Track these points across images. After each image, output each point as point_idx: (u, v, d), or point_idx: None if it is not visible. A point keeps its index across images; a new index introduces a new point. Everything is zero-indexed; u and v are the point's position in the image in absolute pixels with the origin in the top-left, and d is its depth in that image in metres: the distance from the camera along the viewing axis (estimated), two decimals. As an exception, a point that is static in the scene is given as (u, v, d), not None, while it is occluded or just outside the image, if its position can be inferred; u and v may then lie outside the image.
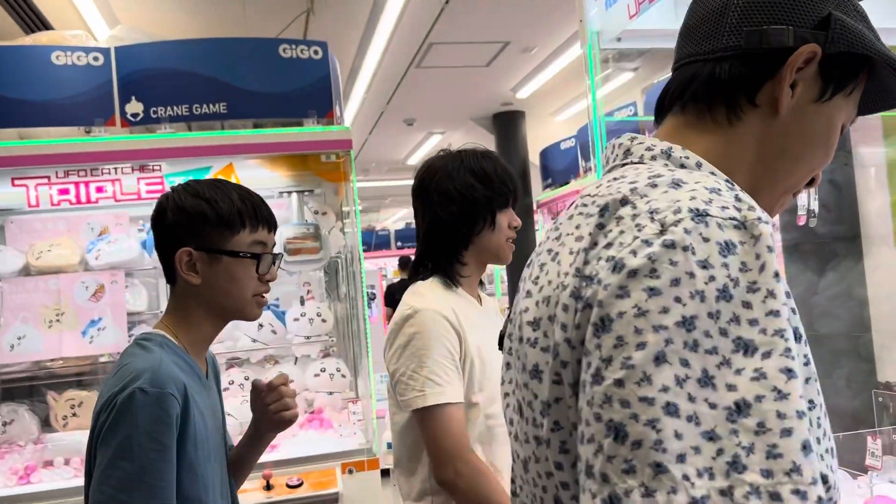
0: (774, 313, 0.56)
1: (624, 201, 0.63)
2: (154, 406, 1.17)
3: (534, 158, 6.33)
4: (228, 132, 2.95)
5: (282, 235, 3.00)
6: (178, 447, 1.20)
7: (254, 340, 3.14)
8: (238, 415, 2.95)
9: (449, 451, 1.39)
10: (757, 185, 0.74)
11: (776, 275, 0.57)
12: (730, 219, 0.59)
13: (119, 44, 3.07)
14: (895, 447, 1.83)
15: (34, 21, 3.99)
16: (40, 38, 3.20)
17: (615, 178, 0.70)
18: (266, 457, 2.70)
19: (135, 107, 2.98)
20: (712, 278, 0.56)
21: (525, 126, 8.27)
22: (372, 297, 6.84)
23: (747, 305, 0.56)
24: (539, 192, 5.45)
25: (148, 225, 3.10)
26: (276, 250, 1.42)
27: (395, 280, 9.62)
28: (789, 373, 0.54)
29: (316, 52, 3.10)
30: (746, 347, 0.55)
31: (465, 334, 1.46)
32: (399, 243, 11.90)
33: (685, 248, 0.56)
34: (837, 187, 2.63)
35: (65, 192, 2.96)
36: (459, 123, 8.31)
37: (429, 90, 6.41)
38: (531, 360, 0.69)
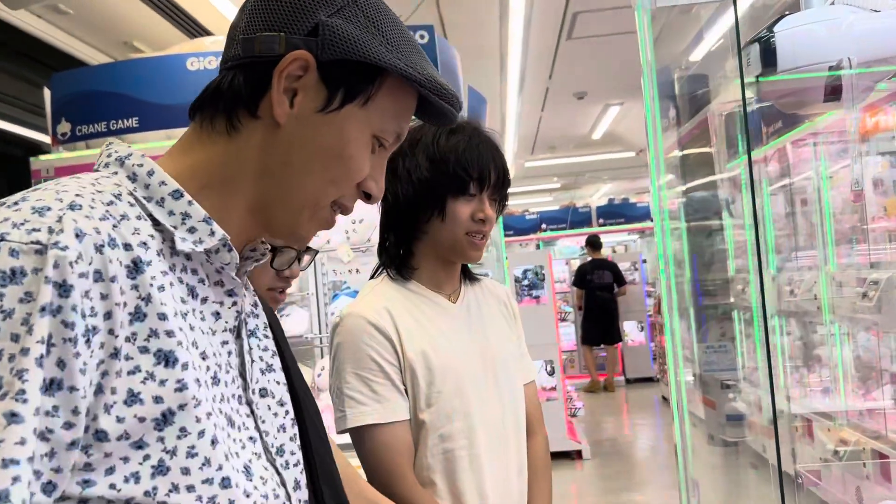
0: (24, 351, 0.55)
1: None
2: None
3: (717, 125, 5.80)
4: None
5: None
6: None
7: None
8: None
9: (378, 480, 1.24)
10: (266, 199, 0.72)
11: (44, 309, 0.56)
12: (33, 243, 0.57)
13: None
14: None
15: (195, 29, 4.37)
16: (183, 47, 3.50)
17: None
18: None
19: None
20: None
21: (709, 91, 7.62)
22: (541, 278, 6.74)
23: (15, 338, 0.55)
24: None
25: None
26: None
27: (587, 260, 9.43)
28: (12, 417, 0.54)
29: (422, 37, 3.07)
30: None
31: (402, 340, 1.27)
32: (601, 220, 11.57)
33: None
34: None
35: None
36: (638, 92, 7.89)
37: (589, 61, 6.14)
38: None
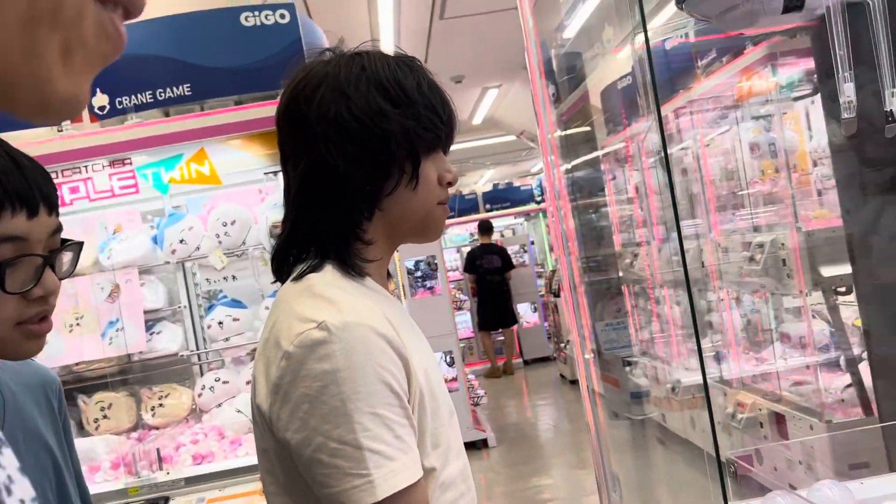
0: None
1: None
2: None
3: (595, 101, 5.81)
4: (185, 117, 2.73)
5: (268, 220, 2.79)
6: None
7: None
8: (248, 412, 2.79)
9: None
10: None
11: None
12: None
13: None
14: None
15: None
16: None
17: None
18: None
19: (101, 99, 2.79)
20: None
21: (585, 67, 7.71)
22: (434, 269, 6.62)
23: None
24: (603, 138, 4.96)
25: (157, 220, 2.98)
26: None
27: (477, 245, 9.42)
28: None
29: (282, 16, 2.81)
30: None
31: (410, 357, 0.89)
32: (488, 205, 11.67)
33: None
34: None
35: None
36: (515, 73, 7.84)
37: (465, 43, 6.01)
38: None
